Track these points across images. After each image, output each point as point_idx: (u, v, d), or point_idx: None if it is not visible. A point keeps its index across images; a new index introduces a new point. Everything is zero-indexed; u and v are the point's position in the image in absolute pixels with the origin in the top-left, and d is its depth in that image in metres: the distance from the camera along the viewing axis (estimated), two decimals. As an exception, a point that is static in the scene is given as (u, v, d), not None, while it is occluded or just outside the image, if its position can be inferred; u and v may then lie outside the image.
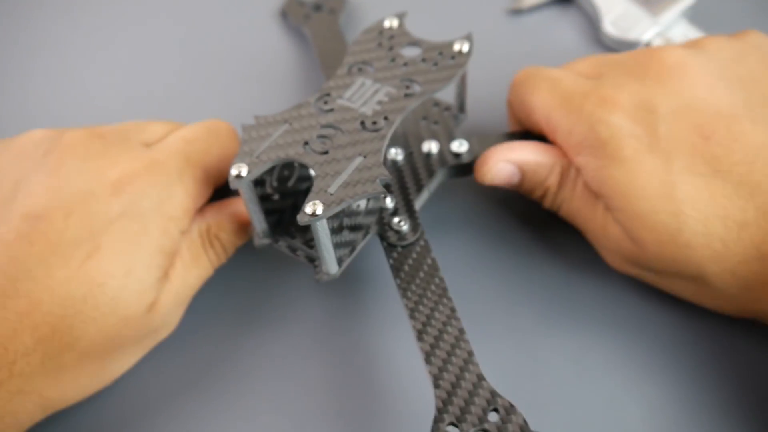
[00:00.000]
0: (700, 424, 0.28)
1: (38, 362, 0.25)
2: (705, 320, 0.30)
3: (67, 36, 0.44)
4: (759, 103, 0.28)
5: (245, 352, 0.31)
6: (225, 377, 0.30)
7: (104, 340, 0.26)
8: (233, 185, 0.26)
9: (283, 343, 0.31)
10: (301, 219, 0.25)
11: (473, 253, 0.33)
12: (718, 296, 0.28)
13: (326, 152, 0.27)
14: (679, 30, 0.40)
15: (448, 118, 0.33)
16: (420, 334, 0.26)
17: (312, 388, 0.30)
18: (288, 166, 0.30)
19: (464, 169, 0.32)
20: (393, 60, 0.30)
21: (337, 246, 0.28)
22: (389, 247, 0.29)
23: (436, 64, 0.29)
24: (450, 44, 0.30)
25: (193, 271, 0.29)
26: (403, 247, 0.29)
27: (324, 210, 0.25)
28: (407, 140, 0.32)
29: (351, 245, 0.29)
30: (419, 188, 0.31)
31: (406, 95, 0.28)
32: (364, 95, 0.28)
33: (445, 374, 0.25)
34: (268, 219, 0.29)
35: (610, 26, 0.40)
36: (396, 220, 0.29)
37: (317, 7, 0.41)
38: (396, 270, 0.28)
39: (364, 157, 0.26)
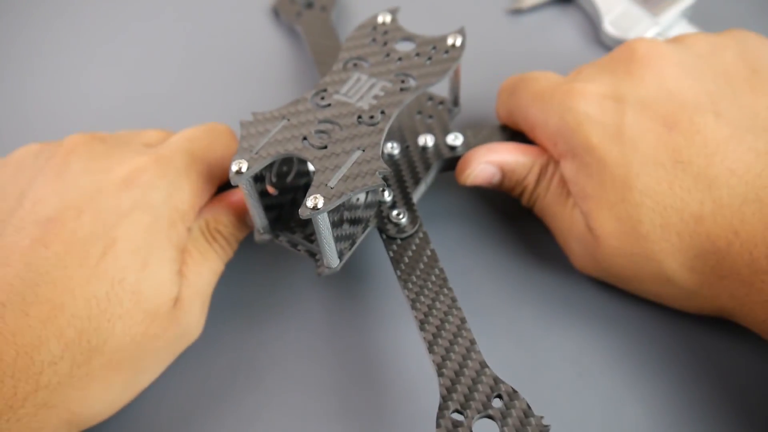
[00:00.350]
0: (698, 423, 0.28)
1: (66, 371, 0.24)
2: (705, 320, 0.30)
3: (62, 37, 0.44)
4: (727, 97, 0.28)
5: (248, 348, 0.31)
6: (227, 373, 0.30)
7: (132, 342, 0.26)
8: (234, 181, 0.26)
9: (286, 338, 0.31)
10: (302, 213, 0.25)
11: (471, 246, 0.33)
12: (678, 294, 0.28)
13: (325, 147, 0.27)
14: (679, 30, 0.40)
15: (443, 112, 0.33)
16: (422, 324, 0.27)
17: (315, 381, 0.30)
18: (286, 162, 0.30)
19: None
20: (387, 55, 0.30)
21: (337, 239, 0.28)
22: (389, 240, 0.30)
23: (430, 58, 0.30)
24: (443, 38, 0.30)
25: (204, 265, 0.29)
26: (402, 239, 0.29)
27: (325, 203, 0.25)
28: (403, 134, 0.33)
29: (351, 238, 0.29)
30: (416, 181, 0.31)
31: (402, 89, 0.29)
32: (360, 90, 0.29)
33: (448, 362, 0.26)
34: (267, 215, 0.29)
35: (610, 26, 0.40)
36: (395, 212, 0.30)
37: (309, 4, 0.41)
38: (396, 262, 0.29)
39: (363, 150, 0.27)
